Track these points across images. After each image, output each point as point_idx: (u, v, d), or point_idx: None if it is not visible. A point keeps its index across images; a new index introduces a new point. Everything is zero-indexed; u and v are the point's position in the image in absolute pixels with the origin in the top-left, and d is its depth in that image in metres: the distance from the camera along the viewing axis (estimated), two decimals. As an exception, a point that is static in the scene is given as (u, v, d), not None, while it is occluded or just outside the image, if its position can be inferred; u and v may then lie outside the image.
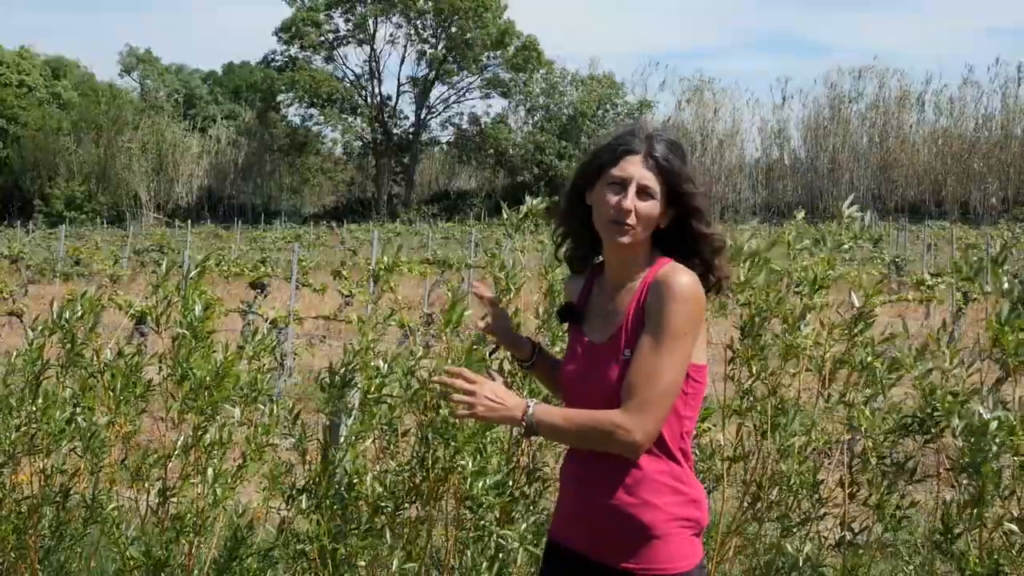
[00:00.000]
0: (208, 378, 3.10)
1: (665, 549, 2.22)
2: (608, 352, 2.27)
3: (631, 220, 2.22)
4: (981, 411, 2.63)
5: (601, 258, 2.41)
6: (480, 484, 3.12)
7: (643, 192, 2.23)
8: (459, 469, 3.17)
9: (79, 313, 3.28)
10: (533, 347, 2.54)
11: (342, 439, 3.37)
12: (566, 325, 2.46)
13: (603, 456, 2.24)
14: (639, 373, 2.17)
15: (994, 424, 2.61)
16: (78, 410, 3.32)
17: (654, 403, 2.17)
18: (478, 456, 3.18)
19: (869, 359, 2.99)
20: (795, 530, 3.17)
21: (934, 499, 4.56)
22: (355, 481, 3.20)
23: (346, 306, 13.68)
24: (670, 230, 2.29)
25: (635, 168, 2.23)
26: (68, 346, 3.30)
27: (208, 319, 3.11)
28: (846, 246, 2.96)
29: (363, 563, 3.22)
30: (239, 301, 12.89)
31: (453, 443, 3.15)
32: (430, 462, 3.22)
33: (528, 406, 2.19)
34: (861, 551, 3.03)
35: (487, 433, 3.22)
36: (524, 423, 2.19)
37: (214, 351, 3.17)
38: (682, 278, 2.20)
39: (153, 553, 3.22)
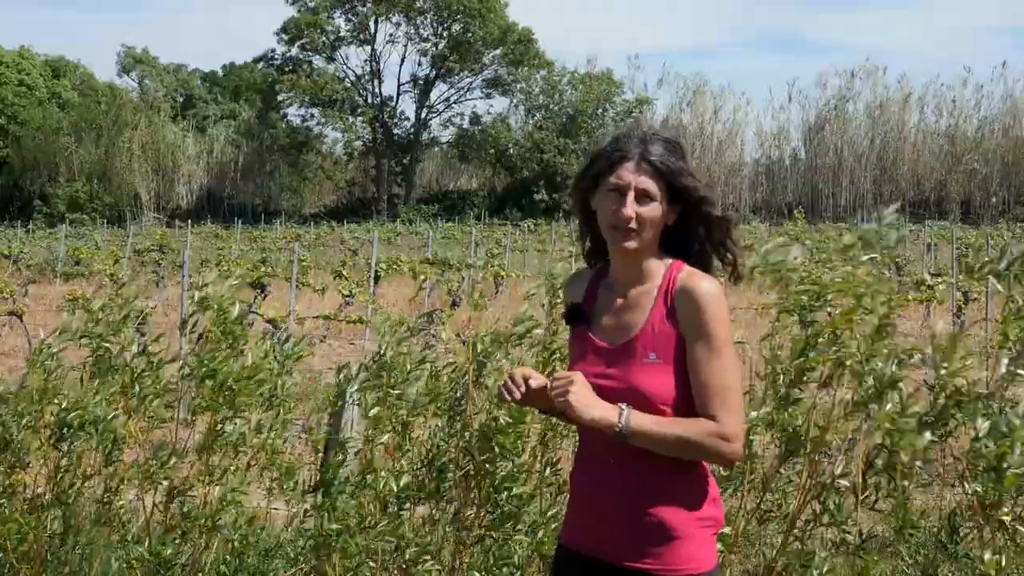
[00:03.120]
0: (232, 379, 3.11)
1: (687, 549, 2.22)
2: (625, 355, 2.26)
3: (632, 226, 2.23)
4: (1010, 413, 2.62)
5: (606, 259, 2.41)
6: (510, 489, 3.12)
7: (642, 196, 2.24)
8: (488, 472, 3.18)
9: (119, 315, 3.29)
10: None
11: (343, 436, 3.37)
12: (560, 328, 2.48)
13: (621, 457, 2.22)
14: (713, 384, 2.18)
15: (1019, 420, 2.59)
16: (104, 407, 3.31)
17: (738, 409, 2.20)
18: (513, 460, 3.17)
19: (890, 371, 2.94)
20: (797, 532, 3.16)
21: (935, 499, 4.57)
22: (368, 477, 3.20)
23: (346, 306, 13.69)
24: (677, 227, 2.30)
25: (631, 174, 2.24)
26: (102, 342, 3.31)
27: (242, 320, 3.14)
28: (876, 256, 2.90)
29: (372, 563, 3.22)
30: (239, 301, 12.88)
31: (497, 441, 3.14)
32: (458, 462, 3.22)
33: (622, 409, 2.17)
34: (866, 555, 3.02)
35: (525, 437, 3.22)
36: (620, 425, 2.15)
37: (243, 352, 3.19)
38: (708, 285, 2.23)
39: (159, 553, 3.22)
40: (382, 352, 3.27)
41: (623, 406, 2.17)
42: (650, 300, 2.26)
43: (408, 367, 3.24)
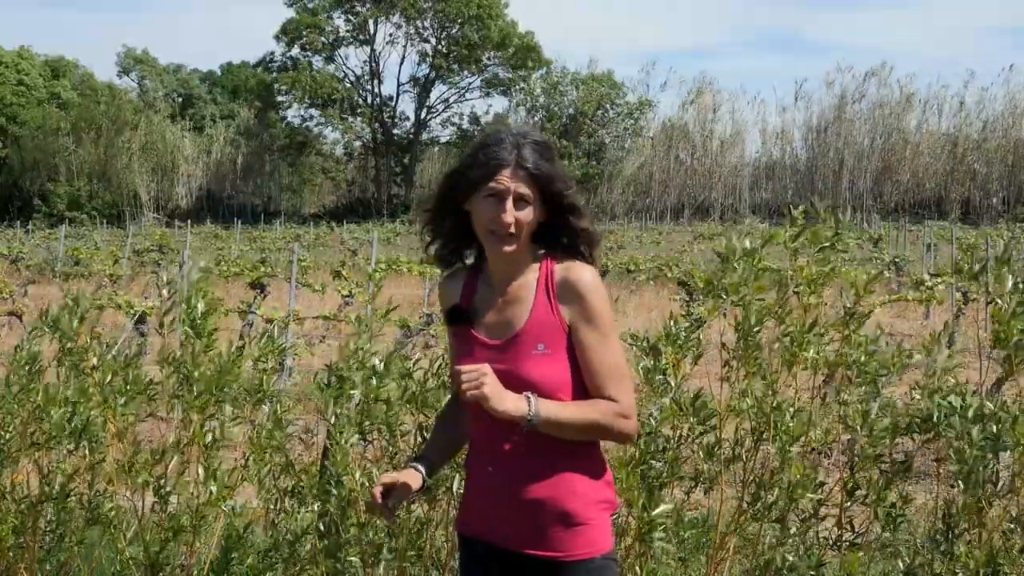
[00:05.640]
0: (208, 377, 3.09)
1: (588, 534, 2.30)
2: (512, 349, 2.31)
3: (512, 230, 2.30)
4: (980, 408, 2.64)
5: (470, 258, 2.47)
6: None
7: (519, 201, 2.31)
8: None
9: (78, 313, 3.27)
10: (425, 470, 2.46)
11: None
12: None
13: (528, 445, 2.27)
14: (604, 366, 2.28)
15: (971, 410, 2.63)
16: (78, 408, 3.31)
17: (631, 387, 2.32)
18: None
19: (863, 358, 2.99)
20: (794, 530, 3.17)
21: (934, 499, 4.56)
22: (343, 476, 3.19)
23: (346, 306, 13.69)
24: (547, 224, 2.36)
25: (508, 180, 2.30)
26: (65, 344, 3.29)
27: (210, 314, 3.11)
28: (840, 245, 2.95)
29: (358, 561, 3.22)
30: (239, 301, 12.88)
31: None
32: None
33: (529, 397, 2.23)
34: (861, 552, 3.03)
35: None
36: (530, 414, 2.21)
37: (217, 351, 3.17)
38: (587, 274, 2.33)
39: (151, 553, 3.21)
40: (348, 353, 3.27)
41: (530, 395, 2.23)
42: (531, 293, 2.34)
43: (378, 367, 3.24)
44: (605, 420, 2.26)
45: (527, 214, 2.31)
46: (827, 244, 2.98)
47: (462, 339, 2.42)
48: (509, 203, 2.29)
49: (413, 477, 2.40)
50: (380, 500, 2.36)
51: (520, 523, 2.31)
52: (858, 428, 2.97)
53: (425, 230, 2.48)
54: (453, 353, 2.49)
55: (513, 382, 2.25)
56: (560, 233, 2.37)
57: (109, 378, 3.23)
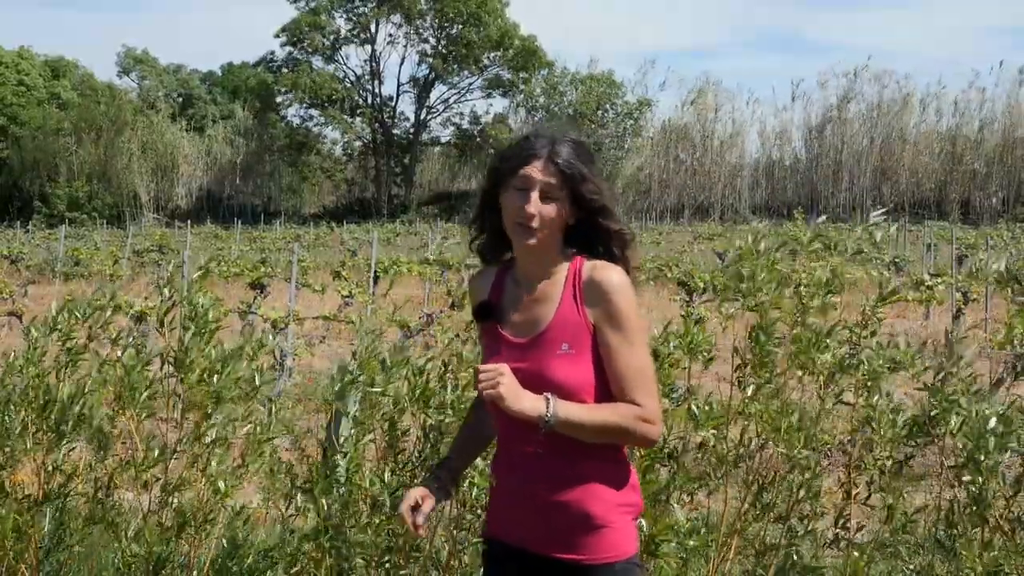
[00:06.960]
0: (209, 370, 3.09)
1: (610, 537, 2.28)
2: (537, 347, 2.30)
3: (535, 223, 2.28)
4: (983, 408, 2.64)
5: (510, 255, 2.45)
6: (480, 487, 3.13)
7: (546, 195, 2.28)
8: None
9: (86, 312, 3.27)
10: (448, 478, 2.48)
11: (343, 438, 3.37)
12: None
13: (549, 446, 2.26)
14: (629, 370, 2.25)
15: (993, 420, 2.62)
16: (82, 409, 3.30)
17: (655, 392, 2.28)
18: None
19: (876, 362, 2.98)
20: (796, 530, 3.16)
21: (934, 499, 4.57)
22: (353, 475, 3.19)
23: (346, 306, 13.69)
24: (580, 225, 2.34)
25: (537, 172, 2.28)
26: (72, 343, 3.29)
27: (209, 311, 3.11)
28: (864, 251, 2.95)
29: (361, 560, 3.22)
30: (239, 301, 12.88)
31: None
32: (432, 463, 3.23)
33: (548, 399, 2.21)
34: (863, 552, 3.02)
35: None
36: (548, 415, 2.19)
37: (216, 346, 3.17)
38: (614, 275, 2.29)
39: (153, 551, 3.21)
40: (358, 352, 3.28)
41: (549, 395, 2.21)
42: (558, 292, 2.32)
43: (380, 367, 3.24)
44: (625, 423, 2.22)
45: (552, 210, 2.28)
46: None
47: (491, 336, 2.41)
48: (535, 195, 2.27)
49: (437, 489, 2.42)
50: (410, 520, 2.35)
51: (537, 525, 2.30)
52: (880, 430, 2.95)
53: (471, 226, 2.47)
54: (483, 351, 2.48)
55: (536, 381, 2.23)
56: (592, 236, 2.35)
57: (136, 368, 3.23)
